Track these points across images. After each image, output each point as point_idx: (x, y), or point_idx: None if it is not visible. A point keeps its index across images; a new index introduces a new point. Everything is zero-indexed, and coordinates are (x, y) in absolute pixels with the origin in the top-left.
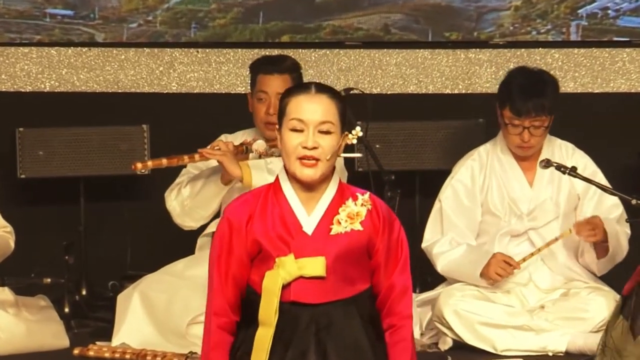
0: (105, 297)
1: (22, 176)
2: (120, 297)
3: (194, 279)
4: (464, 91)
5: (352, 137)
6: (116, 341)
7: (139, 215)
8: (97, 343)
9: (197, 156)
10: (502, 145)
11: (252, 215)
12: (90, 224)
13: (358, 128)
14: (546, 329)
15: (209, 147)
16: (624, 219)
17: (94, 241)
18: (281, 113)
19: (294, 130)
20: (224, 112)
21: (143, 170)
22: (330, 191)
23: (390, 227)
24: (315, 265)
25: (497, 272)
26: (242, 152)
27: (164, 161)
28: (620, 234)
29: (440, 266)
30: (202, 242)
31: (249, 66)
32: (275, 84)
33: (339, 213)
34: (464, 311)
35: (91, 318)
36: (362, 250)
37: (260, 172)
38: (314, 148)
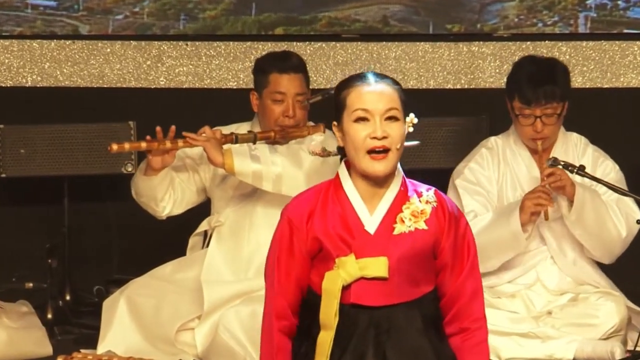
0: (90, 302)
1: (3, 175)
2: (106, 303)
3: (183, 283)
4: (466, 86)
5: (408, 125)
6: (102, 349)
7: (125, 216)
8: (82, 351)
9: (180, 141)
10: (515, 137)
11: (312, 212)
12: (74, 225)
13: (412, 115)
14: (553, 336)
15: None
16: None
17: (78, 243)
18: (340, 107)
19: (359, 121)
20: (215, 108)
21: (130, 169)
22: (394, 187)
23: (457, 226)
24: (377, 266)
25: (538, 203)
26: (231, 141)
27: (143, 144)
28: (599, 203)
29: None
30: (194, 241)
31: (255, 65)
32: (294, 84)
33: (402, 211)
34: None
35: (75, 324)
36: (427, 251)
37: (243, 158)
38: (384, 137)
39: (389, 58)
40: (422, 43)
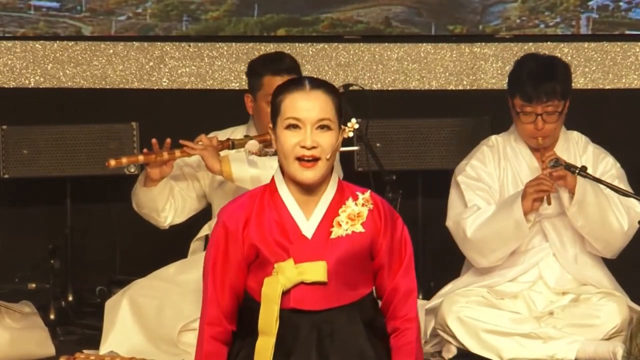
0: (93, 303)
1: (6, 176)
2: (109, 303)
3: (185, 284)
4: (468, 87)
5: (349, 130)
6: (104, 349)
7: (127, 217)
8: (84, 351)
9: (177, 151)
10: (516, 135)
11: (248, 219)
12: (77, 226)
13: (354, 120)
14: (554, 337)
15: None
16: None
17: (80, 244)
18: (275, 112)
19: (290, 128)
20: (217, 109)
21: (133, 170)
22: (329, 191)
23: (393, 227)
24: (316, 270)
25: (540, 189)
26: (228, 147)
27: (140, 157)
28: (600, 195)
29: (471, 230)
30: (195, 246)
31: (248, 67)
32: None
33: (339, 214)
34: (468, 318)
35: (78, 325)
36: (364, 253)
37: (241, 165)
38: (313, 147)
39: (391, 59)
40: (424, 44)
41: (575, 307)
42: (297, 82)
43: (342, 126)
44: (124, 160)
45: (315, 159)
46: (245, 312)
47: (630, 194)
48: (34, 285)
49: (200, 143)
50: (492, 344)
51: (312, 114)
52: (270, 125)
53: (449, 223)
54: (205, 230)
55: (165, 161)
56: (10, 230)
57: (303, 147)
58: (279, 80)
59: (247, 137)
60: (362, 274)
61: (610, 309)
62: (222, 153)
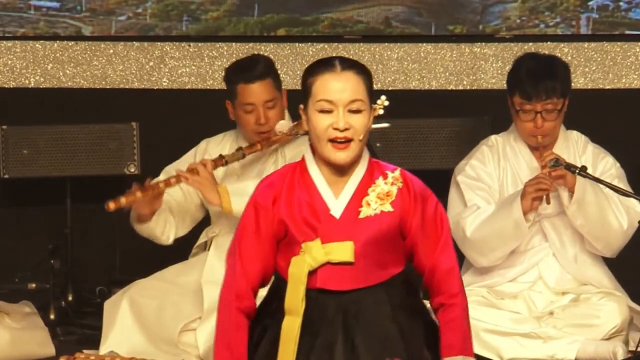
0: (93, 303)
1: (6, 176)
2: (108, 303)
3: (185, 285)
4: (468, 87)
5: (379, 107)
6: (104, 349)
7: (128, 217)
8: (84, 351)
9: (173, 180)
10: (516, 136)
11: (278, 196)
12: (77, 226)
13: (383, 97)
14: (554, 337)
15: (187, 169)
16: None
17: (80, 244)
18: (306, 93)
19: (323, 111)
20: (217, 109)
21: (133, 170)
22: (359, 171)
23: (424, 204)
24: (342, 251)
25: (539, 188)
26: (222, 164)
27: (138, 194)
28: (600, 194)
29: (471, 230)
30: (195, 252)
31: (224, 75)
32: (261, 91)
33: (368, 194)
34: None
35: (78, 325)
36: (394, 233)
37: (240, 198)
38: (346, 129)
39: (391, 59)
40: (424, 44)
41: (575, 307)
42: (327, 62)
43: (373, 105)
44: (123, 200)
45: (348, 140)
46: (275, 290)
47: (630, 194)
48: (34, 285)
49: (196, 175)
50: (492, 344)
51: (344, 96)
52: (301, 106)
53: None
54: (204, 236)
55: (162, 192)
56: (10, 230)
57: (336, 129)
58: (251, 88)
59: (239, 151)
60: (392, 253)
61: (610, 308)
62: (220, 187)
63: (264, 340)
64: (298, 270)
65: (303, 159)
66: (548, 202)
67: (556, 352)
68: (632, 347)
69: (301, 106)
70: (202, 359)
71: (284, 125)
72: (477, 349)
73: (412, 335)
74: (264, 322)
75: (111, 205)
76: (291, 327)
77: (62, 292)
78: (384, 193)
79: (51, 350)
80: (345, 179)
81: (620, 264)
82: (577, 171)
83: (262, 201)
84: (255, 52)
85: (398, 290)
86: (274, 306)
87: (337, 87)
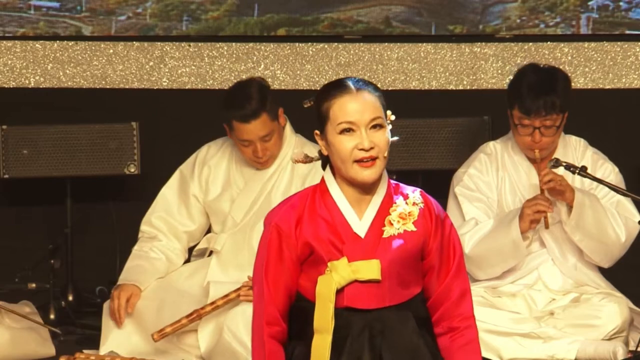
0: (93, 303)
1: (6, 176)
2: (107, 305)
3: (185, 288)
4: (468, 87)
5: (388, 123)
6: (104, 349)
7: (128, 217)
8: (84, 351)
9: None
10: (513, 143)
11: (300, 218)
12: (77, 226)
13: (389, 112)
14: (554, 337)
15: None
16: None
17: (81, 244)
18: (323, 118)
19: (344, 132)
20: (217, 109)
21: (133, 170)
22: (381, 191)
23: (443, 226)
24: (370, 269)
25: (537, 209)
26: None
27: (184, 321)
28: (598, 208)
29: (469, 247)
30: (196, 255)
31: (222, 106)
32: (256, 129)
33: (390, 214)
34: None
35: (78, 325)
36: (416, 253)
37: None
38: (371, 148)
39: (391, 59)
40: (424, 44)
41: (575, 307)
42: (341, 85)
43: None
44: (169, 330)
45: (374, 159)
46: (298, 311)
47: (630, 194)
48: (34, 285)
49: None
50: (492, 344)
51: (365, 116)
52: (317, 132)
53: None
54: (204, 243)
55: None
56: (10, 230)
57: (361, 149)
58: (247, 127)
59: (226, 297)
60: (413, 273)
61: (611, 309)
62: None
63: None
64: (326, 289)
65: (323, 180)
66: (547, 227)
67: (556, 352)
68: (632, 348)
69: (317, 132)
70: (203, 359)
71: (298, 155)
72: None
73: (436, 352)
74: (290, 343)
75: (156, 336)
76: (322, 345)
77: (62, 292)
78: (406, 213)
79: (51, 350)
80: (367, 199)
81: (619, 265)
82: (577, 171)
83: (284, 225)
84: (256, 53)
85: (420, 309)
86: (297, 327)
87: (356, 107)
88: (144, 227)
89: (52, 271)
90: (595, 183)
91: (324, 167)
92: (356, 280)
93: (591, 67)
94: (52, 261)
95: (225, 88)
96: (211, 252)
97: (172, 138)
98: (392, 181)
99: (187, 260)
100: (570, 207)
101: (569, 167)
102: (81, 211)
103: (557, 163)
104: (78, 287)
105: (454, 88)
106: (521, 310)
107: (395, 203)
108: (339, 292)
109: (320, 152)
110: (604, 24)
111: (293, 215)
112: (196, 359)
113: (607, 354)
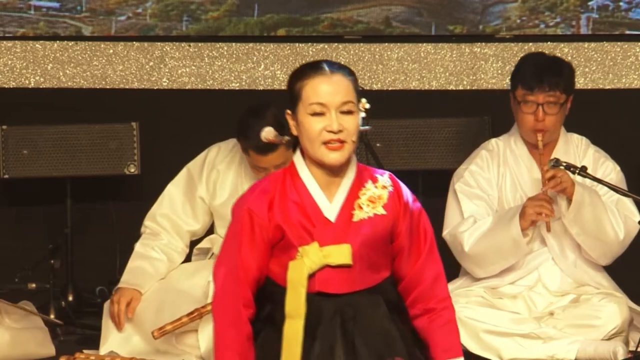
0: (93, 303)
1: (6, 176)
2: (108, 305)
3: (185, 288)
4: (468, 87)
5: (361, 110)
6: (104, 349)
7: (128, 216)
8: (84, 351)
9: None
10: (516, 138)
11: (272, 201)
12: (77, 226)
13: (364, 100)
14: (554, 337)
15: None
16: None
17: (81, 244)
18: (295, 98)
19: (315, 114)
20: (217, 109)
21: (133, 170)
22: (350, 174)
23: (412, 210)
24: (341, 253)
25: (540, 211)
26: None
27: (185, 320)
28: (598, 203)
29: (469, 245)
30: (197, 254)
31: (237, 130)
32: (272, 159)
33: (359, 197)
34: (467, 318)
35: (78, 325)
36: (386, 236)
37: None
38: (340, 131)
39: (391, 59)
40: (424, 44)
41: (575, 307)
42: (315, 66)
43: None
44: (169, 327)
45: (342, 142)
46: (266, 295)
47: (630, 195)
48: (34, 285)
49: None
50: (492, 344)
51: (336, 98)
52: (289, 112)
53: (446, 235)
54: (207, 242)
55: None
56: (10, 230)
57: (330, 131)
58: (264, 158)
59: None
60: (382, 257)
61: (610, 309)
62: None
63: (263, 345)
64: (298, 274)
65: (292, 164)
66: (548, 230)
67: (556, 352)
68: (632, 348)
69: (288, 111)
70: (203, 359)
71: (269, 132)
72: (477, 349)
73: (407, 335)
74: (255, 327)
75: (156, 334)
76: (294, 330)
77: (62, 292)
78: (376, 196)
79: (51, 350)
80: (337, 182)
81: (619, 264)
82: (577, 171)
83: (257, 209)
84: (256, 53)
85: (390, 292)
86: (265, 311)
87: (329, 89)
88: (147, 222)
89: (52, 271)
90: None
91: (294, 150)
92: (327, 265)
93: (591, 67)
94: (52, 261)
95: (225, 88)
96: (213, 254)
97: (172, 138)
98: (361, 164)
99: (188, 258)
100: (570, 201)
101: (569, 167)
102: (81, 211)
103: (557, 163)
104: (78, 287)
105: (454, 88)
106: (521, 311)
107: (365, 187)
108: (310, 277)
109: (290, 133)
110: (604, 24)
111: (265, 199)
112: (196, 359)
113: (607, 354)
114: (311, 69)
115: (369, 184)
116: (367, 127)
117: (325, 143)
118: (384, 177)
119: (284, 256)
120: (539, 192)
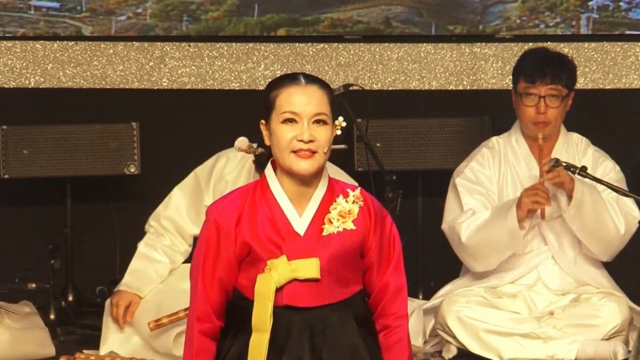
0: (93, 303)
1: (6, 176)
2: (108, 304)
3: (185, 287)
4: (468, 87)
5: (336, 128)
6: (104, 350)
7: (128, 217)
8: (84, 351)
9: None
10: (517, 136)
11: (240, 216)
12: (77, 226)
13: (340, 118)
14: (554, 337)
15: None
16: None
17: (81, 244)
18: (269, 107)
19: (287, 122)
20: (217, 109)
21: (133, 170)
22: (321, 188)
23: (383, 224)
24: (309, 267)
25: (536, 200)
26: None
27: (182, 314)
28: (598, 199)
29: (466, 235)
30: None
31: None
32: None
33: (330, 212)
34: (468, 318)
35: (78, 325)
36: (356, 250)
37: None
38: (310, 141)
39: (391, 59)
40: (424, 44)
41: (575, 307)
42: (291, 77)
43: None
44: (165, 320)
45: (312, 152)
46: (235, 309)
47: (630, 194)
48: (34, 285)
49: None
50: (492, 344)
51: (308, 108)
52: (263, 121)
53: (445, 227)
54: None
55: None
56: (10, 230)
57: (300, 140)
58: None
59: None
60: (352, 271)
61: (610, 309)
62: None
63: (229, 358)
64: (265, 288)
65: (264, 176)
66: (543, 218)
67: (556, 352)
68: (632, 347)
69: (262, 121)
70: None
71: (242, 142)
72: (477, 349)
73: (375, 350)
74: (226, 340)
75: (152, 325)
76: (259, 344)
77: (62, 292)
78: (346, 211)
79: (51, 350)
80: (308, 195)
81: (619, 264)
82: (577, 171)
83: (224, 223)
84: (256, 53)
85: (359, 307)
86: (236, 325)
87: (302, 100)
88: (152, 222)
89: (52, 271)
90: None
91: (266, 162)
92: (295, 279)
93: (591, 67)
94: (52, 261)
95: (225, 88)
96: None
97: (172, 138)
98: (333, 178)
99: (189, 259)
100: (570, 197)
101: (569, 167)
102: (81, 211)
103: (557, 163)
104: (78, 287)
105: (454, 88)
106: (521, 311)
107: (336, 201)
108: (278, 290)
109: (265, 146)
110: (604, 24)
111: (233, 212)
112: None
113: (607, 354)
114: (287, 79)
115: (340, 198)
116: (342, 146)
117: (295, 152)
118: (355, 192)
119: (253, 269)
120: (536, 183)
